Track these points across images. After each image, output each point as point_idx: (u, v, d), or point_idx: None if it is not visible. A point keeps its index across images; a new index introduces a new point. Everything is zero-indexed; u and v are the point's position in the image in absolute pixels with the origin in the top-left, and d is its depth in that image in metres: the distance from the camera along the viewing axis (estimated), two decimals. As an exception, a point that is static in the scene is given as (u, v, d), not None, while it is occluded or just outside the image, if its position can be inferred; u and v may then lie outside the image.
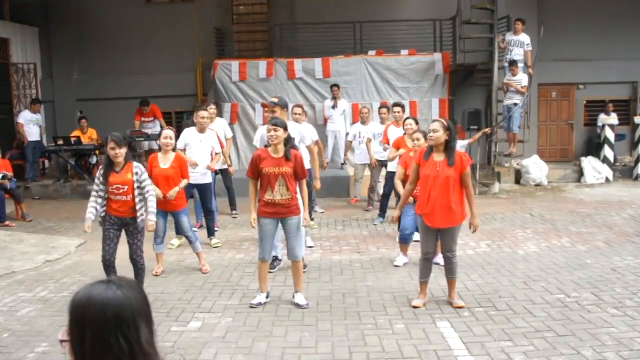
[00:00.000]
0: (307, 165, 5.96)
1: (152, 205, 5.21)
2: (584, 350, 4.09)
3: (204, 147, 7.11)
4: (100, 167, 5.24)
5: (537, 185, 11.47)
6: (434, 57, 11.95)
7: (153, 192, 5.29)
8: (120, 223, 5.19)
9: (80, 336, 1.38)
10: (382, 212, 8.53)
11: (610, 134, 12.04)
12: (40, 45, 13.72)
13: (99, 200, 5.15)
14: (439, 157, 4.89)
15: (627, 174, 12.28)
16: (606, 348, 4.12)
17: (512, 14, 11.37)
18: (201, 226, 8.10)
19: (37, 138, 11.90)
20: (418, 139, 6.17)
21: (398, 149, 7.35)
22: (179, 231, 6.51)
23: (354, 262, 6.57)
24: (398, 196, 8.23)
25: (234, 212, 9.13)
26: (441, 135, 4.82)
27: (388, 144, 8.21)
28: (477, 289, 5.53)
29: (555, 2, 12.78)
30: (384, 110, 9.12)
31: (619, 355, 4.00)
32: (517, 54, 10.98)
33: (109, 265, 5.22)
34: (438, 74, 11.93)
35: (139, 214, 5.16)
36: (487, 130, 11.10)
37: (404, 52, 12.20)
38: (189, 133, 7.23)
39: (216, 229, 8.18)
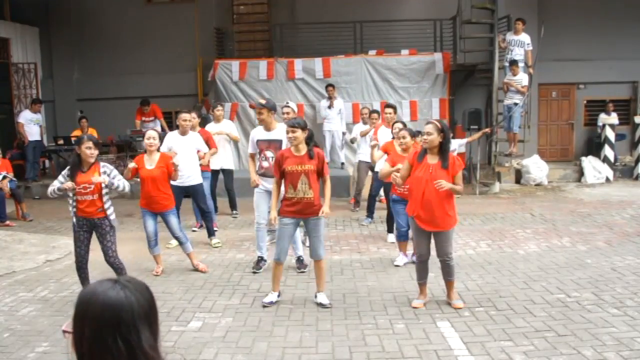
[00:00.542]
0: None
1: (120, 184, 5.28)
2: (584, 350, 4.09)
3: (187, 149, 7.06)
4: (67, 167, 5.26)
5: (537, 185, 11.47)
6: (434, 57, 11.96)
7: (121, 178, 5.36)
8: (90, 224, 5.21)
9: (81, 331, 1.39)
10: (370, 213, 8.53)
11: (610, 134, 12.05)
12: (40, 45, 13.73)
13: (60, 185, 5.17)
14: (432, 160, 4.87)
15: (627, 173, 12.29)
16: (606, 348, 4.12)
17: (513, 13, 11.37)
18: (201, 226, 8.11)
19: (38, 138, 11.90)
20: (404, 137, 6.13)
21: (386, 153, 7.24)
22: (170, 232, 6.47)
23: (354, 262, 6.57)
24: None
25: (234, 212, 9.13)
26: (435, 138, 4.79)
27: (378, 141, 8.20)
28: (477, 288, 5.53)
29: (555, 2, 12.79)
30: (375, 115, 8.97)
31: (619, 355, 4.00)
32: (518, 53, 10.98)
33: (80, 266, 5.29)
34: (438, 73, 11.93)
35: (109, 213, 5.21)
36: (487, 130, 11.12)
37: (404, 51, 12.21)
38: (171, 137, 7.22)
39: (215, 228, 8.18)
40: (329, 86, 11.31)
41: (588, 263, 6.26)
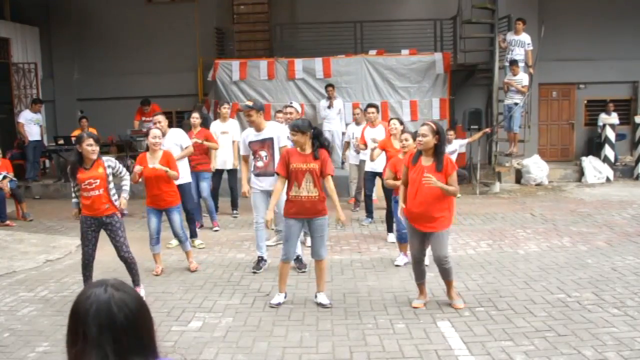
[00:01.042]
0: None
1: (126, 184, 5.45)
2: (585, 350, 4.09)
3: (167, 147, 7.00)
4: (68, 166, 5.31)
5: (538, 185, 11.47)
6: (434, 57, 11.96)
7: (128, 176, 5.50)
8: (97, 224, 5.23)
9: (73, 333, 1.42)
10: (369, 212, 8.54)
11: (610, 134, 12.05)
12: (40, 45, 13.74)
13: (78, 199, 5.30)
14: (427, 162, 4.83)
15: (627, 173, 12.29)
16: (607, 348, 4.12)
17: (513, 13, 11.37)
18: (201, 225, 8.11)
19: (38, 138, 11.91)
20: (406, 139, 5.93)
21: (384, 149, 7.21)
22: (171, 229, 6.47)
23: (355, 261, 6.57)
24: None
25: (235, 212, 9.13)
26: (430, 140, 4.75)
27: (365, 145, 8.22)
28: (478, 288, 5.52)
29: (555, 2, 12.78)
30: (371, 109, 8.91)
31: (620, 355, 3.99)
32: (518, 53, 10.98)
33: (87, 265, 5.32)
34: (438, 73, 11.93)
35: (117, 203, 5.26)
36: (487, 130, 11.12)
37: (405, 51, 12.21)
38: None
39: (216, 228, 8.18)
40: (329, 86, 11.32)
41: (588, 263, 6.26)
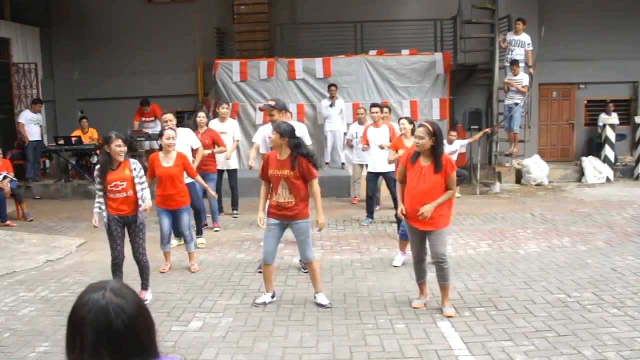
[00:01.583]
0: None
1: (146, 192, 5.30)
2: (585, 350, 4.09)
3: (179, 146, 7.03)
4: (97, 167, 5.23)
5: (538, 185, 11.47)
6: (434, 57, 11.96)
7: (146, 185, 5.38)
8: (123, 222, 5.21)
9: (72, 337, 1.43)
10: (370, 213, 8.54)
11: (610, 134, 12.04)
12: (40, 45, 13.73)
13: (102, 200, 5.18)
14: (425, 162, 4.83)
15: (627, 173, 12.29)
16: (607, 348, 4.12)
17: (513, 13, 11.38)
18: (205, 224, 8.11)
19: (38, 138, 11.91)
20: (403, 123, 6.34)
21: (397, 150, 7.27)
22: (179, 228, 6.50)
23: (355, 262, 6.58)
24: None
25: (235, 212, 9.13)
26: (426, 142, 4.74)
27: (367, 144, 8.22)
28: (478, 288, 5.53)
29: (555, 2, 12.79)
30: (375, 109, 8.93)
31: (620, 355, 4.00)
32: (518, 53, 10.98)
33: (118, 267, 5.26)
34: (439, 73, 11.93)
35: (141, 209, 5.22)
36: (488, 130, 11.12)
37: (405, 51, 12.21)
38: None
39: (217, 228, 8.19)
40: (332, 86, 11.32)
41: (588, 263, 6.26)
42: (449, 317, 4.81)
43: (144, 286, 5.41)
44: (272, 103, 6.10)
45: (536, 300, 5.14)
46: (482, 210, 9.26)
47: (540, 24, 11.53)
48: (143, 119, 12.12)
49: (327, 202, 9.87)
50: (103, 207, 5.16)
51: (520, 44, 10.99)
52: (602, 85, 13.18)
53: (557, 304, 5.05)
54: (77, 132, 11.98)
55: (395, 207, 7.15)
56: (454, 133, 10.60)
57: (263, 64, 11.99)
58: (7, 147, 11.31)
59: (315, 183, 5.07)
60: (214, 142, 8.03)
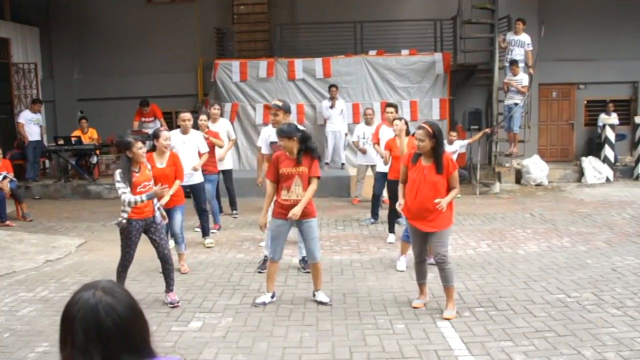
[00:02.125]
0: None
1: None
2: (584, 350, 4.09)
3: (188, 148, 7.03)
4: (118, 171, 5.05)
5: (538, 185, 11.47)
6: (434, 57, 11.97)
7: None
8: (144, 226, 5.19)
9: (65, 335, 1.44)
10: (374, 214, 8.52)
11: (610, 134, 12.04)
12: (40, 45, 13.74)
13: (129, 209, 5.03)
14: (426, 162, 4.82)
15: (627, 173, 12.29)
16: (606, 348, 4.12)
17: (513, 13, 11.38)
18: (220, 228, 8.12)
19: (38, 138, 11.91)
20: (397, 118, 6.66)
21: (390, 150, 7.24)
22: (171, 228, 6.45)
23: (355, 262, 6.57)
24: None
25: (234, 212, 9.13)
26: (427, 144, 4.73)
27: (378, 144, 8.20)
28: (478, 288, 5.53)
29: (555, 2, 12.79)
30: (390, 109, 8.88)
31: (620, 355, 4.00)
32: (518, 53, 10.98)
33: (127, 267, 5.22)
34: (438, 73, 11.94)
35: (157, 205, 5.28)
36: (487, 130, 11.12)
37: (405, 52, 12.22)
38: (172, 136, 7.22)
39: (214, 230, 8.16)
40: (332, 87, 11.32)
41: (588, 263, 6.26)
42: (447, 318, 4.77)
43: (171, 287, 5.32)
44: (280, 104, 6.13)
45: (536, 301, 5.14)
46: (481, 210, 9.26)
47: (540, 24, 11.53)
48: (142, 119, 12.11)
49: (327, 202, 9.90)
50: (125, 215, 5.05)
51: (520, 44, 11.00)
52: (602, 86, 13.19)
53: (557, 304, 5.05)
54: (77, 132, 11.98)
55: (391, 207, 7.15)
56: (454, 133, 10.61)
57: (263, 64, 12.00)
58: (7, 147, 11.30)
59: (316, 182, 5.09)
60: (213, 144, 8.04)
